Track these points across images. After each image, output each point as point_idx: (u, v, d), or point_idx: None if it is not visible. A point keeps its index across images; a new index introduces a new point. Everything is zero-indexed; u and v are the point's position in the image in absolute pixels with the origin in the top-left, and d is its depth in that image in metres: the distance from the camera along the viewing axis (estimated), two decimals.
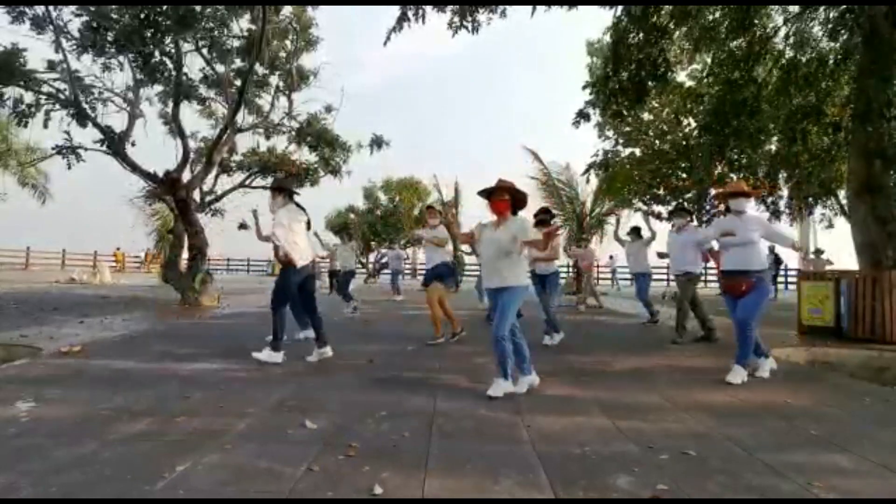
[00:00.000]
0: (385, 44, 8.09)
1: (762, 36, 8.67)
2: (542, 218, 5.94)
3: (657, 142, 14.40)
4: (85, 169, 10.01)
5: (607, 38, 10.22)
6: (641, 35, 8.06)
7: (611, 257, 23.77)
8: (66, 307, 8.93)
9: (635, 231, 8.36)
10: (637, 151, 14.90)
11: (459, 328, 5.97)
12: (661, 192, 14.52)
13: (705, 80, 10.86)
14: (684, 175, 13.75)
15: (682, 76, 11.93)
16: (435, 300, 5.77)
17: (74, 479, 2.12)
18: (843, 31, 8.19)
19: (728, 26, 8.33)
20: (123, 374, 4.06)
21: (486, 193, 3.79)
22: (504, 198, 3.70)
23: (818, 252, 15.46)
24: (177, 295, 10.24)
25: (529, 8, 7.95)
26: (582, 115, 9.37)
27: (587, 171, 12.06)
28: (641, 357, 5.18)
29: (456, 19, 7.96)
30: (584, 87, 9.32)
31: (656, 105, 13.67)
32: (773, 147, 12.05)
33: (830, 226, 15.80)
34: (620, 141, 15.09)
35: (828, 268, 15.37)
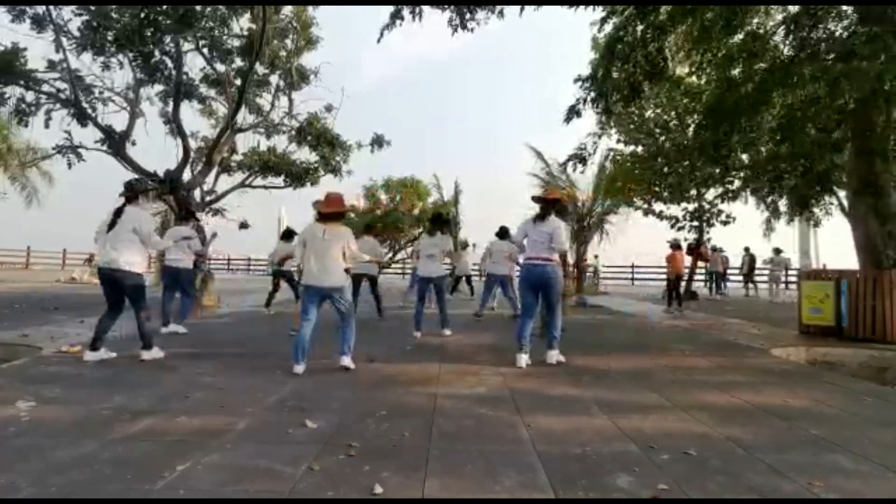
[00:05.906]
0: (378, 41, 7.97)
1: (759, 34, 8.62)
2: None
3: (660, 139, 14.36)
4: (86, 168, 10.05)
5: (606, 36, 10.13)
6: (637, 35, 8.00)
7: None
8: (66, 307, 8.93)
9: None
10: (639, 149, 14.86)
11: None
12: (663, 190, 14.49)
13: (700, 79, 10.79)
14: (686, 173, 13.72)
15: (681, 71, 11.84)
16: None
17: (74, 479, 2.13)
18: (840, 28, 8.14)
19: (723, 24, 8.26)
20: (123, 373, 4.06)
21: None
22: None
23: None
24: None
25: (530, 7, 7.89)
26: (573, 112, 9.20)
27: (565, 162, 11.76)
28: (641, 357, 5.17)
29: (456, 18, 7.89)
30: (576, 81, 9.19)
31: (657, 103, 13.62)
32: (773, 146, 12.01)
33: (823, 217, 15.70)
34: (623, 139, 15.03)
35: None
